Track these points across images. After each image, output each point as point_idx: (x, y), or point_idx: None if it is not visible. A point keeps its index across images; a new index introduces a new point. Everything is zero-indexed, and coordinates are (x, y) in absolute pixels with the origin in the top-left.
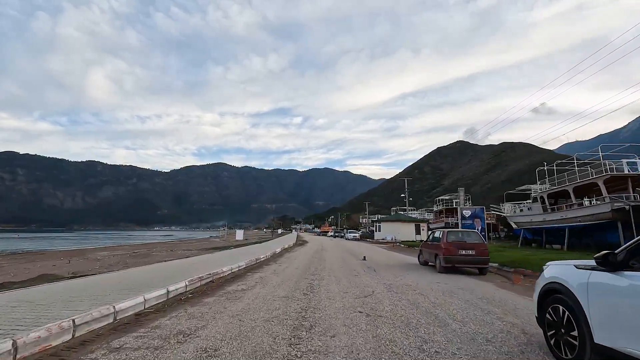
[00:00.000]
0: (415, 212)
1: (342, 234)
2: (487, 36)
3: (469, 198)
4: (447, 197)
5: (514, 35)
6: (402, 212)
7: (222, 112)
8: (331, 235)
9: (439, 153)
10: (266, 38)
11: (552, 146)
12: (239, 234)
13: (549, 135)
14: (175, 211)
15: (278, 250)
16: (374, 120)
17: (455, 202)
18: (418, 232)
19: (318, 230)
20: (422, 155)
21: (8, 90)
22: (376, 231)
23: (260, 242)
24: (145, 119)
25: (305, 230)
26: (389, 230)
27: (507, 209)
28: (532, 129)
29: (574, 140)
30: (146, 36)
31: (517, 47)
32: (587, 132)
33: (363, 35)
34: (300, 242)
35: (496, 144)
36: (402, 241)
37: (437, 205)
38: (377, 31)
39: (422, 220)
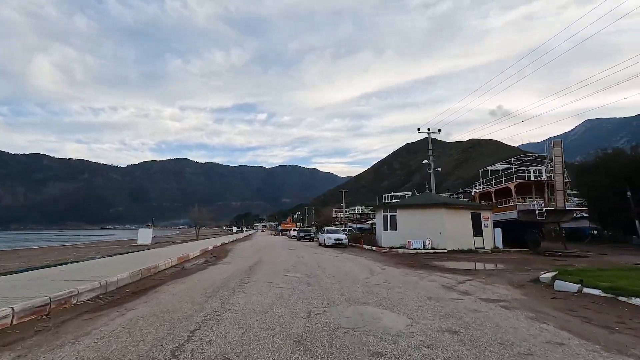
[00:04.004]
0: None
1: (312, 235)
2: (446, 41)
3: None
4: (501, 167)
5: (471, 40)
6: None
7: (183, 106)
8: (294, 236)
9: (407, 149)
10: (229, 31)
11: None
12: (143, 236)
13: (503, 136)
14: (132, 209)
15: None
16: (339, 119)
17: (536, 171)
18: (478, 231)
19: (281, 228)
20: (386, 155)
21: None
22: (386, 229)
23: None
24: (98, 112)
25: (269, 229)
26: (416, 227)
27: None
28: (491, 129)
29: (527, 142)
30: (98, 23)
31: (473, 52)
32: (538, 134)
33: (327, 34)
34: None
35: (463, 140)
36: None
37: (479, 185)
38: (341, 30)
39: (485, 208)
